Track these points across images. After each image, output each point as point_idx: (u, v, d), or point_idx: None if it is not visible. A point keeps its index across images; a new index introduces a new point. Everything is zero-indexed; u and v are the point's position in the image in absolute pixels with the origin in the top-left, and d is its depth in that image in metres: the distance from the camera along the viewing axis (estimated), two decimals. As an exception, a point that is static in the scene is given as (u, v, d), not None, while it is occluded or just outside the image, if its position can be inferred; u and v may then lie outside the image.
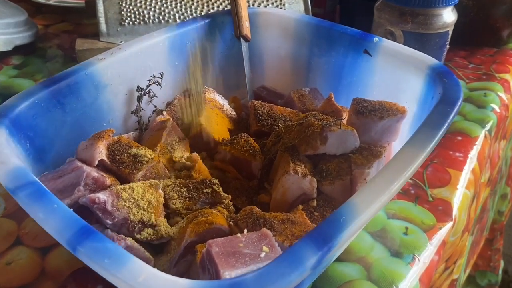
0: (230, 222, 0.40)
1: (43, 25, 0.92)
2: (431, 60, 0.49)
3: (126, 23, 0.74)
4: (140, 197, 0.40)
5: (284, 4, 0.77)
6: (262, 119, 0.52)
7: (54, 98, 0.46)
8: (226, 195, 0.44)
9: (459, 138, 0.62)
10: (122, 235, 0.39)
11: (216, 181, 0.45)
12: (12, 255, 0.46)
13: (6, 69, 0.77)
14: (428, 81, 0.48)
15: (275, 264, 0.28)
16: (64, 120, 0.47)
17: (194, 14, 0.76)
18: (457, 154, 0.59)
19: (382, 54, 0.53)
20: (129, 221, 0.39)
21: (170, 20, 0.75)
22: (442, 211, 0.51)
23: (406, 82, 0.51)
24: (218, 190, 0.44)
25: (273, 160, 0.49)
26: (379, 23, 0.65)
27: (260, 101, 0.54)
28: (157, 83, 0.55)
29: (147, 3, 0.75)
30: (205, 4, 0.76)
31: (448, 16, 0.61)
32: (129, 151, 0.45)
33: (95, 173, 0.42)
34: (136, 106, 0.53)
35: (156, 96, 0.55)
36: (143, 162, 0.44)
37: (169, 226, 0.41)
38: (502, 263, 1.12)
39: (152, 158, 0.45)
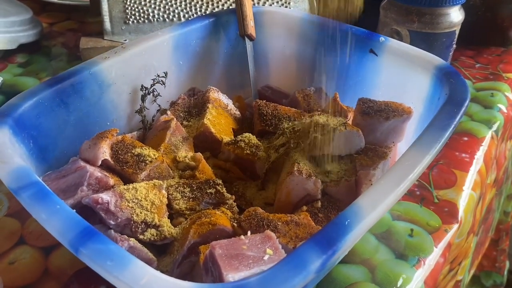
0: (234, 223, 0.40)
1: (48, 24, 0.92)
2: (437, 60, 0.49)
3: (130, 22, 0.74)
4: (144, 198, 0.40)
5: (289, 3, 0.76)
6: (267, 119, 0.52)
7: (57, 97, 0.45)
8: (229, 195, 0.44)
9: (465, 138, 0.62)
10: (125, 235, 0.38)
11: (219, 181, 0.45)
12: (16, 254, 0.46)
13: (11, 67, 0.77)
14: (435, 81, 0.47)
15: (279, 268, 0.28)
16: (68, 119, 0.47)
17: (199, 13, 0.75)
18: (463, 155, 0.59)
19: (388, 54, 0.52)
20: (132, 222, 0.39)
21: (174, 19, 0.75)
22: (447, 212, 0.50)
23: (412, 82, 0.50)
24: (221, 191, 0.44)
25: (277, 161, 0.48)
26: (385, 22, 0.64)
27: (264, 101, 0.54)
28: (161, 82, 0.54)
29: (152, 2, 0.75)
30: (210, 3, 0.76)
31: (455, 15, 0.61)
32: (133, 151, 0.45)
33: (98, 173, 0.42)
34: (140, 105, 0.53)
35: (160, 95, 0.55)
36: (147, 162, 0.44)
37: (172, 226, 0.41)
38: (507, 264, 1.11)
39: (155, 158, 0.44)
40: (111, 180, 0.42)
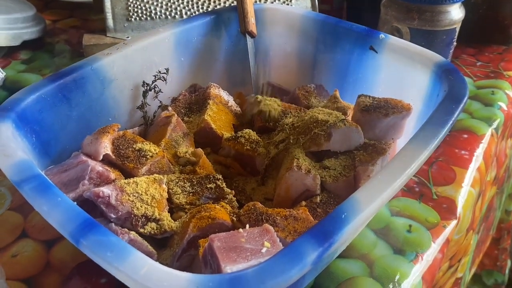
0: (233, 218, 0.40)
1: (51, 21, 0.93)
2: (437, 57, 0.49)
3: (133, 19, 0.75)
4: (144, 192, 0.40)
5: (290, 0, 0.77)
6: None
7: (60, 92, 0.46)
8: (229, 190, 0.44)
9: (465, 136, 0.62)
10: (125, 229, 0.39)
11: (220, 176, 0.45)
12: (18, 247, 0.46)
13: (14, 64, 0.77)
14: (434, 78, 0.48)
15: (276, 259, 0.28)
16: (70, 114, 0.47)
17: (201, 10, 0.76)
18: (463, 152, 0.59)
19: (388, 51, 0.52)
20: (132, 215, 0.39)
21: (176, 16, 0.76)
22: (446, 209, 0.51)
23: (412, 79, 0.50)
24: (221, 186, 0.44)
25: (277, 156, 0.49)
26: (386, 20, 0.64)
27: (264, 97, 0.54)
28: (163, 79, 0.55)
29: (154, -1, 0.75)
30: (212, 0, 0.76)
31: (456, 13, 0.61)
32: (134, 146, 0.45)
33: (99, 167, 0.42)
34: (142, 101, 0.53)
35: (161, 92, 0.55)
36: (148, 157, 0.45)
37: (172, 220, 0.41)
38: (509, 263, 1.11)
39: (156, 153, 0.45)
40: (112, 174, 0.43)
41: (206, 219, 0.39)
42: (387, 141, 0.49)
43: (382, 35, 0.53)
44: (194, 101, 0.55)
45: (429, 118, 0.40)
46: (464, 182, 0.54)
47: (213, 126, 0.50)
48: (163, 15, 0.75)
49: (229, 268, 0.30)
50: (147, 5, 0.75)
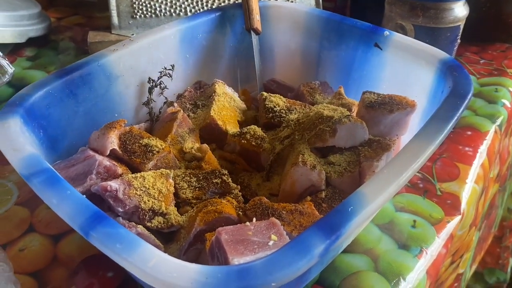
0: (239, 212, 0.41)
1: (55, 18, 0.93)
2: (441, 54, 0.49)
3: (137, 16, 0.75)
4: (151, 186, 0.41)
5: (295, -2, 0.77)
6: (272, 112, 0.53)
7: (67, 88, 0.46)
8: (235, 185, 0.45)
9: (469, 132, 0.62)
10: (133, 222, 0.39)
11: (225, 171, 0.45)
12: (25, 241, 0.47)
13: (20, 61, 0.78)
14: (439, 75, 0.48)
15: (283, 252, 0.28)
16: (77, 110, 0.48)
17: (205, 7, 0.76)
18: (467, 148, 0.59)
19: (392, 48, 0.53)
20: (140, 209, 0.40)
21: (181, 14, 0.76)
22: (450, 205, 0.51)
23: (416, 76, 0.51)
24: (227, 181, 0.44)
25: (282, 152, 0.49)
26: (390, 17, 0.65)
27: (269, 94, 0.54)
28: (168, 75, 0.55)
29: (159, -4, 0.76)
30: (216, -2, 0.76)
31: (460, 10, 0.61)
32: (140, 141, 0.46)
33: (107, 162, 0.43)
34: (147, 97, 0.54)
35: (167, 88, 0.56)
36: (154, 152, 0.45)
37: (179, 214, 0.41)
38: (511, 261, 1.11)
39: (163, 149, 0.45)
40: (119, 169, 0.43)
41: (213, 213, 0.39)
42: (391, 137, 0.49)
43: (386, 32, 0.53)
44: (200, 97, 0.55)
45: (434, 114, 0.41)
46: (468, 178, 0.55)
47: (218, 122, 0.50)
48: (168, 13, 0.76)
49: (237, 260, 0.31)
50: (151, 3, 0.75)
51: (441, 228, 0.48)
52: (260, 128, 0.51)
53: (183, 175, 0.45)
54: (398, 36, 0.53)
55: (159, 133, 0.50)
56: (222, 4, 0.76)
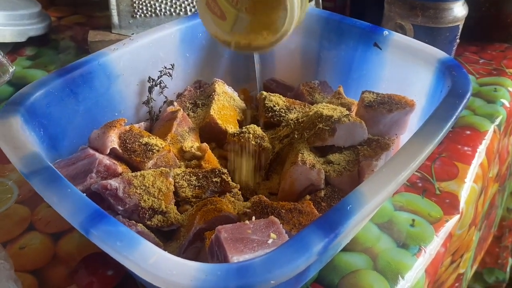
0: (238, 211, 0.41)
1: (56, 17, 0.93)
2: (440, 54, 0.49)
3: (138, 16, 0.75)
4: (151, 185, 0.41)
5: (294, -2, 0.77)
6: (271, 111, 0.53)
7: (67, 87, 0.46)
8: (234, 184, 0.45)
9: (468, 132, 0.62)
10: (133, 221, 0.39)
11: (225, 170, 0.46)
12: (26, 240, 0.47)
13: (20, 60, 0.78)
14: (437, 75, 0.48)
15: (283, 249, 0.29)
16: (77, 109, 0.48)
17: (205, 7, 0.76)
18: (466, 148, 0.59)
19: (391, 48, 0.53)
20: (140, 208, 0.40)
21: (181, 13, 0.76)
22: (449, 204, 0.51)
23: (415, 75, 0.51)
24: (227, 180, 0.45)
25: (281, 151, 0.49)
26: (390, 16, 0.65)
27: (269, 93, 0.55)
28: (168, 74, 0.55)
29: (159, -4, 0.76)
30: (216, -3, 0.76)
31: (459, 10, 0.61)
32: (140, 140, 0.46)
33: (107, 160, 0.43)
34: (147, 96, 0.54)
35: (167, 87, 0.56)
36: (154, 151, 0.45)
37: (178, 213, 0.42)
38: (510, 261, 1.11)
39: (162, 147, 0.45)
40: (120, 167, 0.43)
41: (212, 211, 0.40)
42: (390, 136, 0.50)
43: (386, 32, 0.53)
44: (199, 97, 0.55)
45: (432, 113, 0.41)
46: (467, 177, 0.55)
47: (218, 121, 0.51)
48: (168, 12, 0.76)
49: (236, 258, 0.31)
50: (151, 2, 0.75)
51: (440, 227, 0.48)
52: (259, 127, 0.51)
53: (183, 174, 0.45)
54: (397, 36, 0.53)
55: (159, 132, 0.50)
56: (222, 3, 0.76)
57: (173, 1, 0.76)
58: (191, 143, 0.49)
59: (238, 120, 0.54)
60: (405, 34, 0.60)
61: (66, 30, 0.89)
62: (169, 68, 0.55)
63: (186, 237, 0.39)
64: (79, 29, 0.89)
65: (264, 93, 0.55)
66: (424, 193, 0.53)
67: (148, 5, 0.75)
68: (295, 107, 0.53)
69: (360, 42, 0.55)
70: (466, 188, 0.54)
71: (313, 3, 0.78)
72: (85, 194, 0.40)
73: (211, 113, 0.51)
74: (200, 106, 0.54)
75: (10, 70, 0.61)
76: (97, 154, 0.43)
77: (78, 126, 0.48)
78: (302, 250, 0.29)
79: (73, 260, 0.45)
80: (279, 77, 0.64)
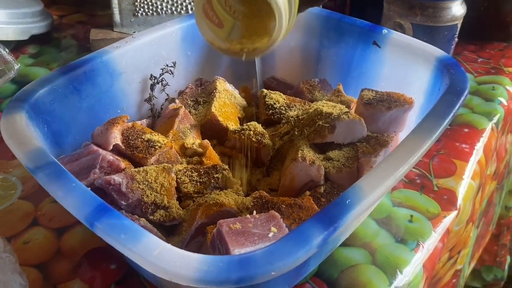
0: (240, 206, 0.42)
1: (57, 16, 0.94)
2: (439, 52, 0.50)
3: (139, 14, 0.76)
4: (154, 180, 0.42)
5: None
6: (272, 108, 0.54)
7: (71, 84, 0.47)
8: (236, 180, 0.45)
9: (466, 130, 0.63)
10: (136, 215, 0.40)
11: (226, 166, 0.46)
12: (30, 235, 0.48)
13: (23, 58, 0.79)
14: (436, 73, 0.49)
15: (283, 242, 0.29)
16: (80, 106, 0.48)
17: (206, 6, 0.77)
18: (464, 145, 0.60)
19: (391, 46, 0.53)
20: (142, 203, 0.41)
21: (182, 12, 0.77)
22: (447, 200, 0.52)
23: (414, 73, 0.51)
24: (228, 176, 0.45)
25: (282, 148, 0.50)
26: (389, 15, 0.65)
27: (269, 91, 0.55)
28: (170, 72, 0.56)
29: (160, -5, 0.76)
30: (217, -4, 0.77)
31: (457, 9, 0.62)
32: (143, 137, 0.47)
33: (110, 156, 0.43)
34: (149, 94, 0.55)
35: (168, 85, 0.56)
36: (156, 147, 0.46)
37: (180, 208, 0.42)
38: (508, 259, 1.12)
39: (165, 144, 0.46)
40: (122, 163, 0.44)
41: (214, 206, 0.40)
42: (389, 134, 0.50)
43: (385, 30, 0.54)
44: (201, 94, 0.56)
45: (431, 110, 0.41)
46: (465, 174, 0.56)
47: (219, 118, 0.51)
48: (169, 11, 0.76)
49: (237, 251, 0.32)
50: (153, 1, 0.76)
51: (438, 222, 0.49)
52: (260, 125, 0.52)
53: (185, 170, 0.46)
54: (396, 34, 0.54)
55: (161, 129, 0.51)
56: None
57: (174, 0, 0.76)
58: (193, 140, 0.50)
59: (238, 117, 0.55)
60: (404, 33, 0.61)
61: (68, 29, 0.89)
62: (171, 66, 0.56)
63: (188, 232, 0.40)
64: (81, 27, 0.90)
65: (265, 90, 0.55)
66: (422, 190, 0.53)
67: (150, 3, 0.76)
68: (295, 105, 0.54)
69: (360, 41, 0.56)
70: (464, 185, 0.54)
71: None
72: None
73: (212, 110, 0.51)
74: (202, 103, 0.55)
75: (15, 67, 0.61)
76: (100, 150, 0.44)
77: (81, 123, 0.48)
78: (302, 242, 0.29)
79: (76, 254, 0.46)
80: (280, 75, 0.64)
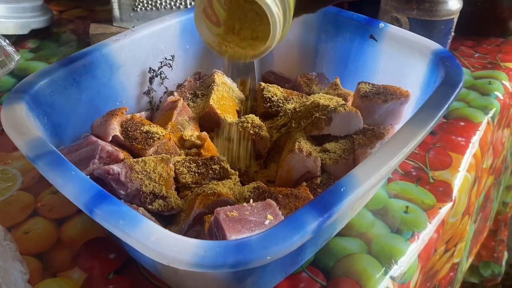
0: (237, 196, 0.42)
1: (57, 11, 0.94)
2: (434, 45, 0.50)
3: (138, 9, 0.76)
4: (152, 170, 0.42)
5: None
6: (269, 101, 0.54)
7: (70, 76, 0.48)
8: (233, 171, 0.46)
9: (462, 123, 0.64)
10: (134, 205, 0.41)
11: (224, 158, 0.47)
12: (30, 225, 0.48)
13: (22, 52, 0.79)
14: (431, 66, 0.49)
15: (279, 228, 0.30)
16: (80, 98, 0.49)
17: (205, 1, 0.77)
18: (460, 138, 0.61)
19: (387, 40, 0.54)
20: (141, 192, 0.41)
21: (181, 6, 0.77)
22: (442, 192, 0.53)
23: (410, 67, 0.52)
24: (226, 166, 0.46)
25: (279, 140, 0.50)
26: (386, 10, 0.66)
27: (267, 84, 0.56)
28: (169, 65, 0.56)
29: (159, -11, 0.77)
30: (216, -9, 0.78)
31: (453, 3, 0.62)
32: (142, 128, 0.47)
33: (109, 147, 0.44)
34: (148, 87, 0.55)
35: (167, 78, 0.57)
36: (155, 138, 0.46)
37: (179, 198, 0.43)
38: (505, 254, 1.13)
39: (163, 135, 0.47)
40: (121, 154, 0.44)
41: (212, 196, 0.41)
42: (385, 126, 0.51)
43: (382, 24, 0.54)
44: (199, 87, 0.57)
45: (426, 102, 0.42)
46: (460, 167, 0.56)
47: (217, 111, 0.52)
48: (168, 5, 0.77)
49: (234, 237, 0.32)
50: (152, -4, 0.76)
51: (433, 214, 0.50)
52: (258, 117, 0.52)
53: (183, 161, 0.46)
54: (393, 28, 0.54)
55: (159, 121, 0.52)
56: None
57: (173, -5, 0.77)
58: (191, 132, 0.51)
59: (236, 110, 0.55)
60: (401, 27, 0.61)
61: (67, 24, 0.90)
62: (170, 59, 0.56)
63: (186, 221, 0.41)
64: (81, 22, 0.90)
65: (263, 84, 0.56)
66: (418, 182, 0.54)
67: (149, -2, 0.76)
68: (292, 98, 0.55)
69: (357, 35, 0.56)
70: (460, 177, 0.55)
71: None
72: (88, 179, 0.41)
73: (211, 103, 0.52)
74: (200, 96, 0.55)
75: (16, 59, 0.62)
76: (99, 141, 0.44)
77: (81, 115, 0.49)
78: (297, 228, 0.30)
79: (75, 244, 0.46)
80: (277, 69, 0.65)
